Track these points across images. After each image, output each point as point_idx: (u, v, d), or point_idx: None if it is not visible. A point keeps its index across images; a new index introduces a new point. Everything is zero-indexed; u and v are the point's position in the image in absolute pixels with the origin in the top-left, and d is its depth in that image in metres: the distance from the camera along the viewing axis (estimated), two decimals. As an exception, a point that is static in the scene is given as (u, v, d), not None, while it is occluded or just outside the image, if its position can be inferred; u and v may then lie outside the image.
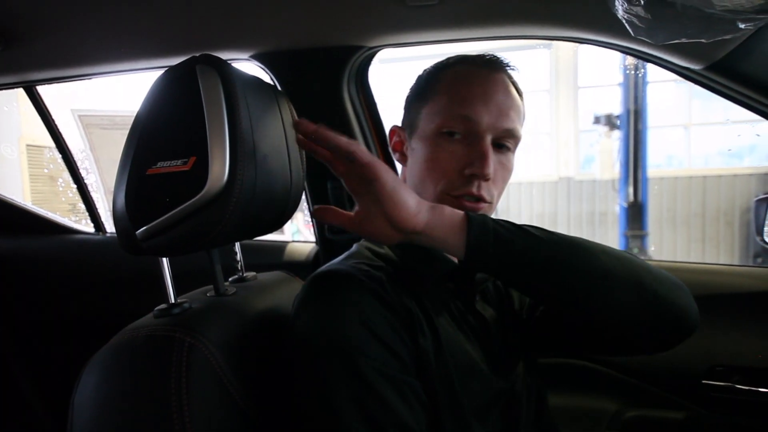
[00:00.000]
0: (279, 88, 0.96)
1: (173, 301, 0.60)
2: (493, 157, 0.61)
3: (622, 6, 0.65)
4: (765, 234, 1.10)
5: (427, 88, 0.66)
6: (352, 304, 0.52)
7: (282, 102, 0.68)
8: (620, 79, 4.66)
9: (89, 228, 1.45)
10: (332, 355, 0.50)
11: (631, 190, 4.65)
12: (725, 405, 0.93)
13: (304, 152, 0.73)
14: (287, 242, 1.22)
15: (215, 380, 0.53)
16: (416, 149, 0.65)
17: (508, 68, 0.66)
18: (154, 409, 0.49)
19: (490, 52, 0.66)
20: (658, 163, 5.36)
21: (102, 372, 0.52)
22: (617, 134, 4.83)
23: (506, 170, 0.65)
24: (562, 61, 5.66)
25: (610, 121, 4.86)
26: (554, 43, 0.90)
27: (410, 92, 0.70)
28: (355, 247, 0.68)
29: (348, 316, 0.51)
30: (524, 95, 0.68)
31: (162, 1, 0.79)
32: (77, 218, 1.57)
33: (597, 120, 4.94)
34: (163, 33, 0.88)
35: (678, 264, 1.04)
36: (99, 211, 1.43)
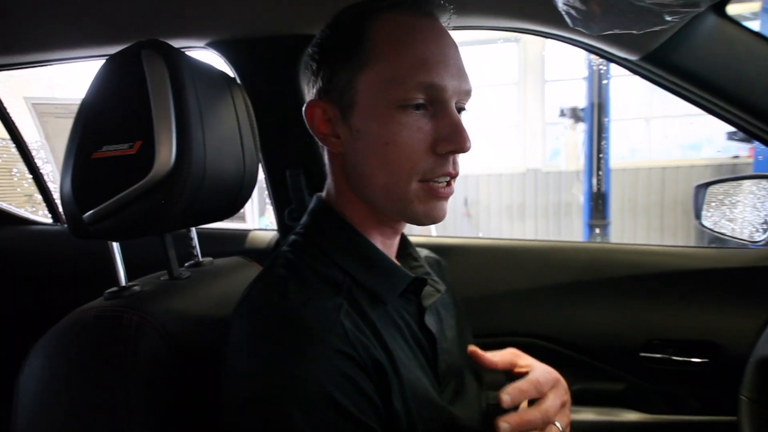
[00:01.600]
0: (236, 76, 0.96)
1: (124, 284, 0.60)
2: None
3: (561, -3, 0.69)
4: (702, 217, 1.19)
5: (355, 47, 0.52)
6: (322, 382, 0.43)
7: (235, 90, 0.68)
8: (585, 73, 4.80)
9: (47, 219, 1.41)
10: None
11: (594, 181, 4.82)
12: (661, 375, 1.00)
13: (258, 140, 0.73)
14: (249, 230, 1.22)
15: (163, 361, 0.52)
16: (363, 130, 0.52)
17: (446, 13, 0.55)
18: (99, 388, 0.49)
19: None
20: (621, 155, 5.56)
21: (48, 353, 0.52)
22: (582, 127, 4.99)
23: None
24: (530, 55, 5.78)
25: (575, 114, 5.00)
26: (522, 37, 0.91)
27: (323, 52, 0.55)
28: (285, 263, 0.54)
29: (317, 400, 0.42)
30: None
31: None
32: (34, 209, 1.52)
33: (563, 113, 5.08)
34: (116, 19, 0.87)
35: (614, 245, 1.11)
36: (56, 201, 1.39)
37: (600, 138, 4.67)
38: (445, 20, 0.56)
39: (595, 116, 4.66)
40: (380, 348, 0.50)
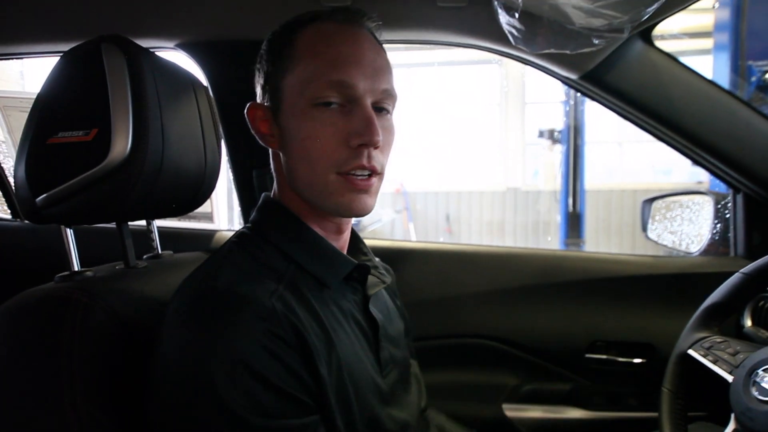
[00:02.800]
0: (205, 78, 0.98)
1: (77, 269, 0.60)
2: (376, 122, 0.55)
3: (504, 18, 0.76)
4: (648, 230, 1.27)
5: (283, 55, 0.57)
6: (243, 355, 0.46)
7: (199, 90, 0.70)
8: (562, 97, 4.99)
9: (6, 214, 1.39)
10: (217, 416, 0.45)
11: (570, 201, 4.97)
12: (604, 375, 1.05)
13: (221, 140, 0.74)
14: (215, 230, 1.23)
15: (112, 341, 0.52)
16: (288, 128, 0.57)
17: (370, 21, 0.59)
18: (41, 366, 0.49)
19: (348, 7, 0.61)
20: (595, 176, 5.74)
21: None
22: (559, 148, 5.16)
23: (390, 134, 0.59)
24: (511, 77, 5.98)
25: (552, 136, 5.17)
26: (504, 59, 0.98)
27: (262, 61, 0.60)
28: (227, 251, 0.58)
29: (237, 370, 0.45)
30: (387, 51, 0.62)
31: None
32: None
33: (541, 134, 5.23)
34: (84, 17, 0.88)
35: (564, 253, 1.17)
36: None
37: (576, 159, 4.84)
38: (370, 27, 0.60)
39: (571, 138, 4.84)
40: (316, 327, 0.53)
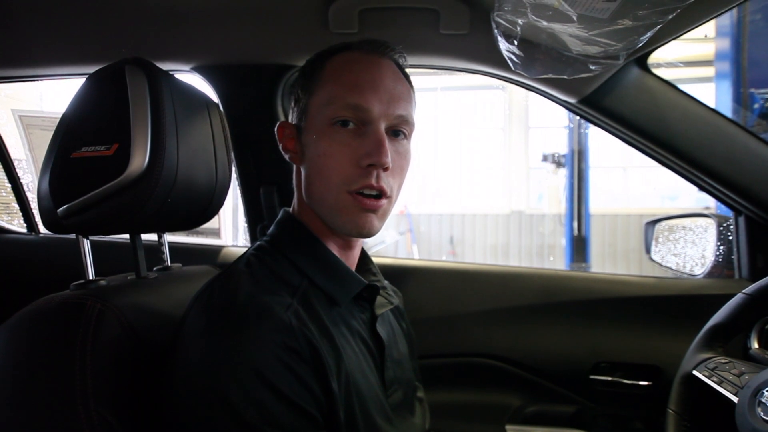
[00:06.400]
0: (218, 99, 1.03)
1: (91, 278, 0.63)
2: (389, 146, 0.58)
3: (504, 45, 0.79)
4: (652, 252, 1.27)
5: (312, 79, 0.62)
6: (260, 366, 0.47)
7: (213, 110, 0.74)
8: (566, 122, 5.05)
9: (22, 228, 1.43)
10: (230, 424, 0.46)
11: (575, 224, 4.96)
12: (609, 397, 1.04)
13: (232, 157, 0.78)
14: (222, 246, 1.26)
15: (122, 348, 0.54)
16: (308, 145, 0.61)
17: (394, 53, 0.64)
18: (55, 370, 0.50)
19: (376, 39, 0.65)
20: (601, 200, 5.73)
21: (7, 335, 0.54)
22: (563, 172, 5.18)
23: (403, 159, 0.62)
24: (515, 102, 6.07)
25: (556, 160, 5.20)
26: (508, 84, 1.01)
27: (295, 86, 0.66)
28: (246, 262, 0.60)
29: (254, 381, 0.47)
30: (413, 83, 0.66)
31: (108, 11, 0.85)
32: (9, 218, 1.55)
33: (545, 158, 5.27)
34: (106, 41, 0.94)
35: (567, 273, 1.17)
36: (33, 211, 1.41)
37: (580, 183, 4.85)
38: (394, 58, 0.64)
39: (575, 163, 4.87)
40: (326, 343, 0.54)
